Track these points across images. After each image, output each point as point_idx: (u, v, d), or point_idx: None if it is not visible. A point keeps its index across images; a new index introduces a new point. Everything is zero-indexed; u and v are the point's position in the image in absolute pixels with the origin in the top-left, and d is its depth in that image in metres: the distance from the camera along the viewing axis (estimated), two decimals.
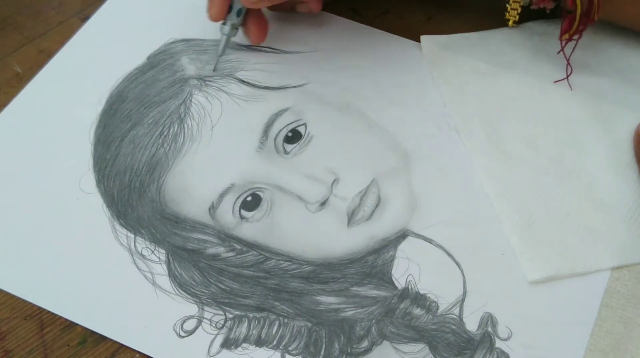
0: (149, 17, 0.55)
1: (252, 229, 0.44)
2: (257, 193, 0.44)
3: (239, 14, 0.48)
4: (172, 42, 0.52)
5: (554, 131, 0.47)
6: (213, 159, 0.46)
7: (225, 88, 0.49)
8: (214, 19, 0.47)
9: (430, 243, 0.43)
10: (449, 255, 0.43)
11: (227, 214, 0.44)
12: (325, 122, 0.48)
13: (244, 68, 0.50)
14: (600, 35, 0.51)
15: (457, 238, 0.43)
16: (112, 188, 0.45)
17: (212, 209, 0.44)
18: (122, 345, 0.40)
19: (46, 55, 0.53)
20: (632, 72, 0.50)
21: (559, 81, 0.49)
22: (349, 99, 0.49)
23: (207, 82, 0.49)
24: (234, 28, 0.48)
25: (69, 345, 0.40)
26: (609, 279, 0.41)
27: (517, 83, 0.50)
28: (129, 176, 0.46)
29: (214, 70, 0.50)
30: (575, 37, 0.47)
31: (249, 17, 0.49)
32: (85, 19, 0.55)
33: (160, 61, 0.51)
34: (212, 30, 0.51)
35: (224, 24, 0.48)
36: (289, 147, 0.46)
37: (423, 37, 0.52)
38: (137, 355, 0.40)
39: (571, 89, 0.48)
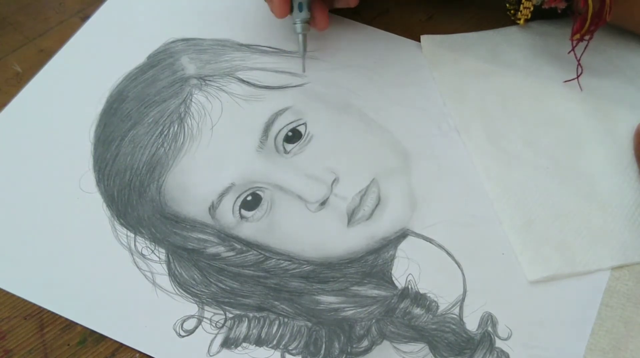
0: (149, 17, 0.55)
1: (252, 228, 0.44)
2: (257, 192, 0.44)
3: (300, 8, 0.47)
4: (172, 42, 0.52)
5: (554, 131, 0.47)
6: (213, 158, 0.46)
7: (226, 87, 0.49)
8: (279, 16, 0.47)
9: (430, 242, 0.43)
10: (449, 254, 0.43)
11: (227, 214, 0.44)
12: (326, 122, 0.48)
13: (244, 68, 0.50)
14: (600, 36, 0.51)
15: (457, 237, 0.43)
16: (112, 187, 0.45)
17: (212, 208, 0.44)
18: (122, 345, 0.40)
19: (46, 55, 0.53)
20: (632, 72, 0.50)
21: (568, 80, 0.49)
22: (349, 99, 0.49)
23: (207, 82, 0.49)
24: (306, 22, 0.48)
25: (69, 345, 0.40)
26: (609, 279, 0.41)
27: (517, 83, 0.50)
28: (129, 176, 0.45)
29: (303, 71, 0.50)
30: (587, 37, 0.46)
31: (313, 7, 0.48)
32: (85, 18, 0.55)
33: (161, 61, 0.51)
34: (212, 30, 0.51)
35: (295, 23, 0.48)
36: (289, 146, 0.46)
37: (423, 37, 0.52)
38: (137, 355, 0.40)
39: (581, 90, 0.49)
